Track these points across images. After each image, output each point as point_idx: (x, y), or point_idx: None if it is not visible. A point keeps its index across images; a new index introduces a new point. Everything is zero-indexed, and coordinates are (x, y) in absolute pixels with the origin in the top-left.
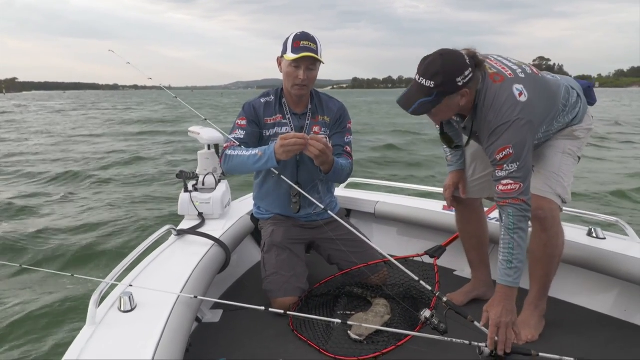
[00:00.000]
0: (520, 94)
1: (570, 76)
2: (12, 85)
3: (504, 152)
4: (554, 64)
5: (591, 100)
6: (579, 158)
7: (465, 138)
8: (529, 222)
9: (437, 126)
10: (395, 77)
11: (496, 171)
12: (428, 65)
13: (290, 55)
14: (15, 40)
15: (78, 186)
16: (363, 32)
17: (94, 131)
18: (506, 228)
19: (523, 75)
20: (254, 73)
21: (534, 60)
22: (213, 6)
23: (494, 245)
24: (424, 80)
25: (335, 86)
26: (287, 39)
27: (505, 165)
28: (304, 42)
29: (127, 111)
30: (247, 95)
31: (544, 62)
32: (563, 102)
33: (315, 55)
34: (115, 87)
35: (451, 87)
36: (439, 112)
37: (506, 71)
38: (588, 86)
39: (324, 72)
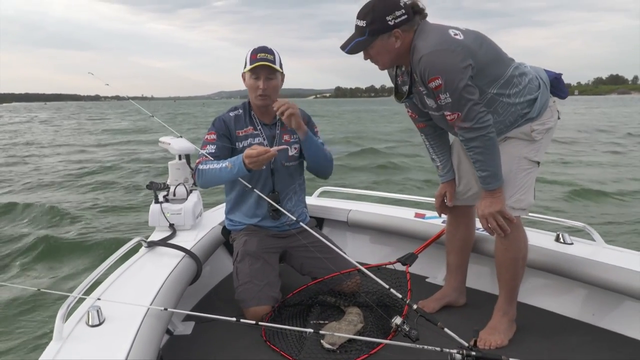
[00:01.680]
0: (456, 35)
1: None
2: None
3: (435, 83)
4: None
5: (561, 92)
6: (538, 163)
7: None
8: (490, 136)
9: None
10: (377, 86)
11: (437, 101)
12: (362, 7)
13: (248, 67)
14: None
15: (46, 194)
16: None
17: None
18: (464, 147)
19: (463, 29)
20: (236, 83)
21: None
22: (194, 17)
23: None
24: (359, 21)
25: (318, 95)
26: (247, 54)
27: (440, 96)
28: (260, 54)
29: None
30: (231, 104)
31: None
32: (517, 76)
33: (269, 64)
34: (96, 98)
35: (381, 25)
36: (377, 54)
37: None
38: (555, 77)
39: (307, 82)
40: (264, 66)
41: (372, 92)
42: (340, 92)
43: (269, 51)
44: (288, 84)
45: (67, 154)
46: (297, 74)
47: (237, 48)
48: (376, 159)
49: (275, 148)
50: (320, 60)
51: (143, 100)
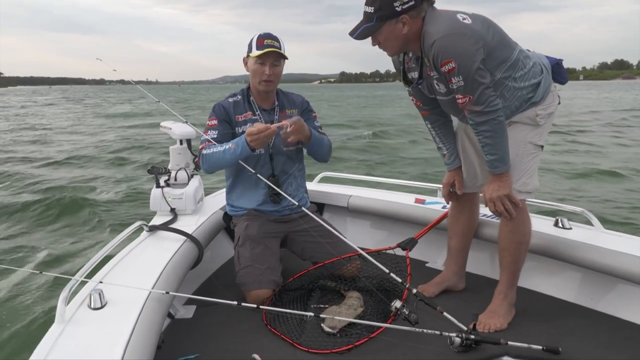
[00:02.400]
0: (464, 19)
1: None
2: None
3: (448, 66)
4: None
5: (561, 78)
6: (542, 147)
7: (439, 92)
8: (499, 120)
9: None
10: (382, 71)
11: (449, 84)
12: None
13: (255, 52)
14: (0, 35)
15: (51, 175)
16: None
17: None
18: (473, 131)
19: (470, 14)
20: (241, 67)
21: None
22: (199, 0)
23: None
24: (367, 7)
25: (322, 80)
26: (252, 39)
27: (453, 79)
28: (267, 40)
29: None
30: (236, 89)
31: None
32: (522, 59)
33: (279, 50)
34: (101, 82)
35: (389, 11)
36: (385, 40)
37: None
38: (556, 62)
39: (311, 67)
40: (272, 52)
41: (377, 77)
42: (345, 77)
43: (275, 38)
44: (292, 69)
45: (74, 135)
46: (301, 59)
47: (242, 32)
48: (381, 141)
49: (275, 125)
50: (325, 45)
51: (148, 85)
